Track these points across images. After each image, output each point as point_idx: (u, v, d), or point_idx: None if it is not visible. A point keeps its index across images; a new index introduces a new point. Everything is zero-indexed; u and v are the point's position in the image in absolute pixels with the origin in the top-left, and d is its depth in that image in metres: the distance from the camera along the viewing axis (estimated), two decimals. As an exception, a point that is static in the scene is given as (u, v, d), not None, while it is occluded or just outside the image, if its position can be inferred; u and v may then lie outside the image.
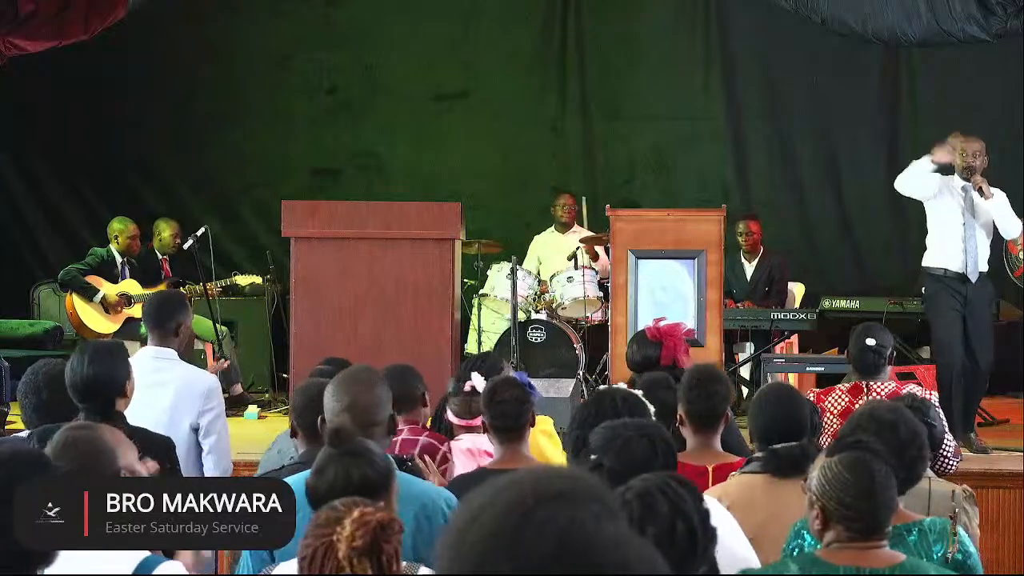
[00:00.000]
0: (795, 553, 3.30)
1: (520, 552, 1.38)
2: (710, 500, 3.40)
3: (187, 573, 2.95)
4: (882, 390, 5.24)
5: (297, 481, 3.16)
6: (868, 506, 2.94)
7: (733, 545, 3.25)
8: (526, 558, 1.38)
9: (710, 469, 4.07)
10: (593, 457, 3.14)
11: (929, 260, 7.47)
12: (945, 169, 7.43)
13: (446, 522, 3.51)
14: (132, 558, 2.76)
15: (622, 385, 4.22)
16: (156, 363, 4.94)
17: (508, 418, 4.08)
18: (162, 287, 9.05)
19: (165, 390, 4.88)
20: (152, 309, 5.12)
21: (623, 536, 1.43)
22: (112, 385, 4.23)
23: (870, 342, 5.33)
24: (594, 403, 3.68)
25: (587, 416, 3.55)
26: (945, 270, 7.41)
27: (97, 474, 2.87)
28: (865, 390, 5.27)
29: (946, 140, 7.36)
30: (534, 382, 4.40)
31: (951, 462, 4.73)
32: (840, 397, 5.30)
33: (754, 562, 3.27)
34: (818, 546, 3.26)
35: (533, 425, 4.20)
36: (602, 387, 3.92)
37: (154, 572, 2.76)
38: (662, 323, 5.25)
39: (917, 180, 7.33)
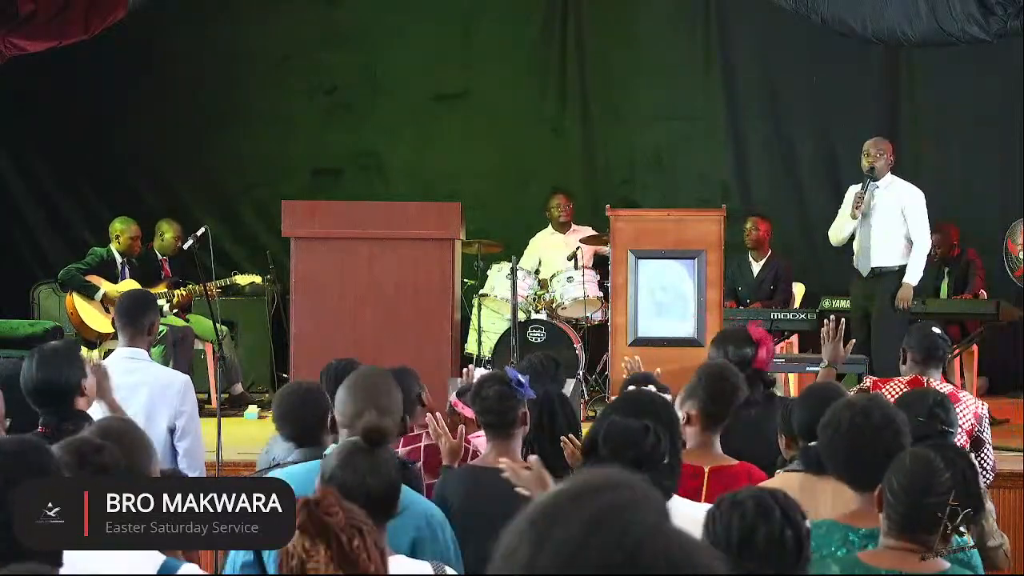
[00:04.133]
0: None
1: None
2: (686, 502, 3.42)
3: (205, 574, 2.96)
4: (942, 389, 5.17)
5: (298, 474, 3.16)
6: (908, 500, 2.92)
7: None
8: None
9: (706, 471, 4.02)
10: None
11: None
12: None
13: (429, 533, 3.46)
14: (153, 559, 2.77)
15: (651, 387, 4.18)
16: (129, 363, 4.92)
17: (491, 414, 4.08)
18: (162, 287, 9.05)
19: (139, 391, 4.85)
20: (125, 309, 5.10)
21: (696, 542, 1.45)
22: (64, 387, 4.21)
23: (937, 330, 5.31)
24: (624, 405, 3.62)
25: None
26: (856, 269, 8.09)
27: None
28: (925, 384, 5.18)
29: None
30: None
31: (986, 475, 4.78)
32: (899, 388, 5.16)
33: None
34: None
35: (525, 424, 4.18)
36: (631, 388, 3.90)
37: (178, 573, 2.77)
38: (757, 327, 5.16)
39: (845, 230, 8.07)
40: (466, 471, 4.10)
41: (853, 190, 8.09)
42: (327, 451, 3.58)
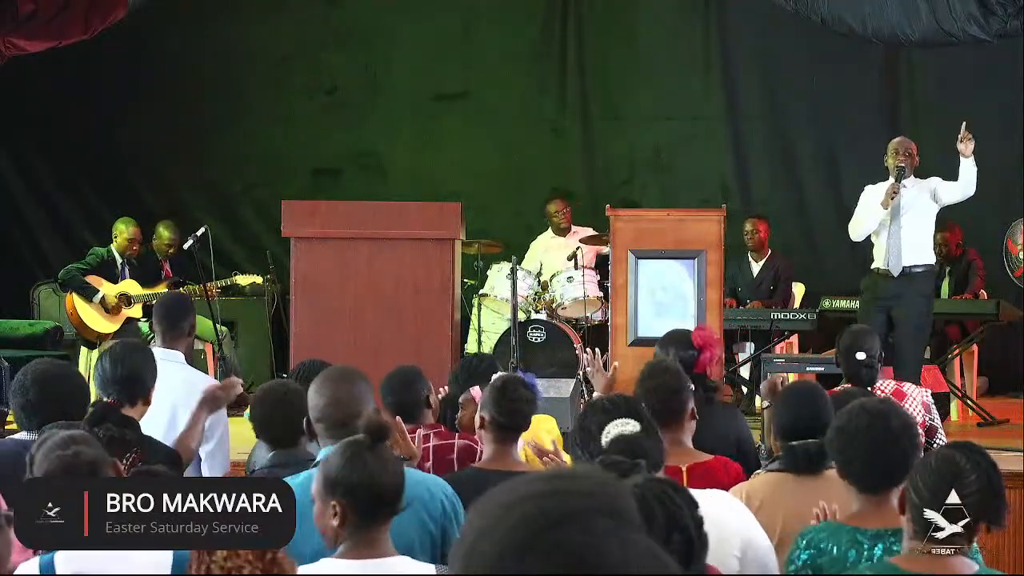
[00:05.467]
0: (801, 561, 3.29)
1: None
2: (731, 499, 3.42)
3: None
4: (886, 388, 5.20)
5: (299, 484, 3.15)
6: (935, 501, 2.90)
7: (758, 539, 3.27)
8: None
9: (684, 469, 3.98)
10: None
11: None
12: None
13: (446, 515, 3.49)
14: (164, 556, 2.77)
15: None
16: (163, 364, 4.95)
17: (519, 416, 4.01)
18: (162, 287, 9.05)
19: (168, 393, 4.88)
20: (164, 311, 5.17)
21: (635, 555, 1.42)
22: (143, 384, 4.28)
23: (860, 356, 5.23)
24: (590, 408, 3.66)
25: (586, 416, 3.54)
26: (877, 268, 7.83)
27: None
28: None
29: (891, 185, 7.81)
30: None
31: None
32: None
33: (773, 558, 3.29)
34: (822, 553, 3.25)
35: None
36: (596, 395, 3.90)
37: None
38: (703, 331, 5.19)
39: (868, 224, 7.85)
40: (476, 475, 4.04)
41: (871, 189, 7.93)
42: (320, 454, 3.57)
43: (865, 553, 3.20)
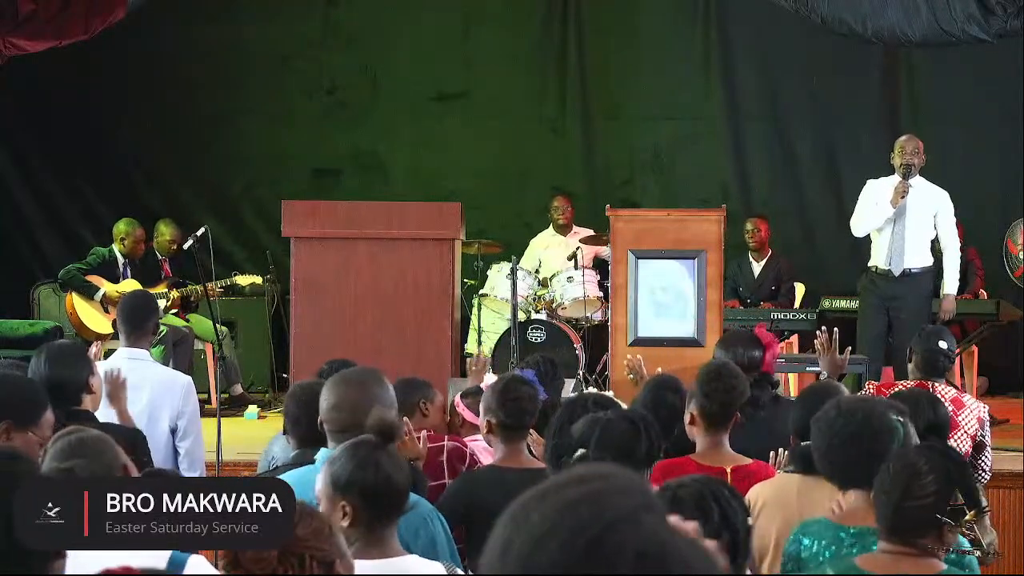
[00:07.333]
0: (787, 555, 3.30)
1: None
2: None
3: (213, 571, 2.97)
4: (947, 394, 5.14)
5: (294, 479, 3.15)
6: (891, 503, 2.93)
7: None
8: None
9: (728, 471, 4.00)
10: (580, 451, 3.14)
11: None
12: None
13: (427, 531, 3.45)
14: (160, 554, 2.78)
15: (592, 390, 4.24)
16: (131, 364, 5.01)
17: (522, 415, 4.05)
18: (162, 287, 9.05)
19: (141, 391, 4.95)
20: (128, 311, 5.21)
21: (688, 547, 1.44)
22: (73, 384, 4.29)
23: (943, 345, 5.29)
24: (567, 410, 3.67)
25: (562, 424, 3.54)
26: (875, 267, 7.88)
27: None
28: (930, 388, 5.19)
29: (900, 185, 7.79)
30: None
31: (983, 475, 4.84)
32: None
33: None
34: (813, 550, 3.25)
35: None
36: (572, 395, 3.91)
37: (185, 572, 2.78)
38: (763, 330, 5.19)
39: (873, 220, 7.83)
40: (494, 473, 4.06)
41: (873, 184, 7.88)
42: (318, 455, 3.56)
43: (844, 550, 3.22)
